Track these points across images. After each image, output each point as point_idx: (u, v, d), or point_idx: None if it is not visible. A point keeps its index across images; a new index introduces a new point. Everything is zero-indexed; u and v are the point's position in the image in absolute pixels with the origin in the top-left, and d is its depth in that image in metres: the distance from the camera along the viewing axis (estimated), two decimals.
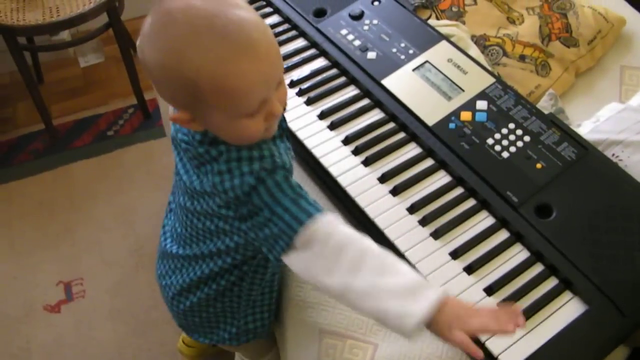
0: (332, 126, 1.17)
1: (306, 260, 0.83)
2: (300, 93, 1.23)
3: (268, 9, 1.40)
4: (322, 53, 1.30)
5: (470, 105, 1.14)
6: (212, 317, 1.12)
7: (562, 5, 1.47)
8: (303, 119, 1.20)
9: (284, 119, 0.96)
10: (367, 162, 1.11)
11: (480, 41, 1.42)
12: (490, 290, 0.95)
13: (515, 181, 1.04)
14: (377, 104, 1.20)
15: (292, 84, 1.25)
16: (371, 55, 1.24)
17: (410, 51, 1.23)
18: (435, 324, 0.76)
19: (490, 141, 1.09)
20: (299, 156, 1.17)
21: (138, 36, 0.93)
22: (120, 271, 1.86)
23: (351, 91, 1.23)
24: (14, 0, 1.93)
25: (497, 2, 1.50)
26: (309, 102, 1.22)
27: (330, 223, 0.83)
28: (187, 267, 1.04)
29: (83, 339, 1.73)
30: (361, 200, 1.07)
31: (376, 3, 1.32)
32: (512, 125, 1.10)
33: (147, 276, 1.82)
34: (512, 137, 1.09)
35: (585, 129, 1.21)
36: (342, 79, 1.25)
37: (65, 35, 2.45)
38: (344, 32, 1.28)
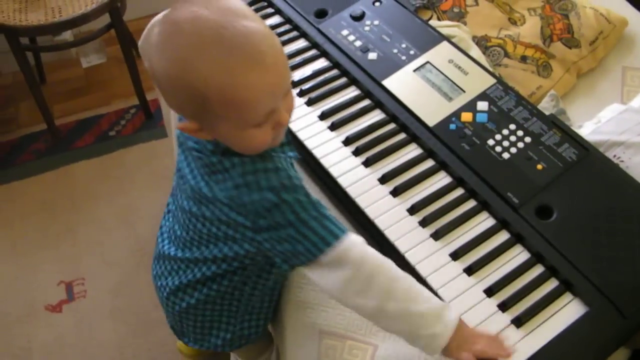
0: (333, 127, 1.17)
1: (337, 281, 0.85)
2: (301, 94, 1.23)
3: (269, 10, 1.40)
4: (323, 54, 1.30)
5: (471, 106, 1.13)
6: (207, 322, 1.11)
7: (563, 6, 1.47)
8: (304, 120, 1.20)
9: None
10: (367, 163, 1.11)
11: (481, 42, 1.42)
12: (490, 292, 0.95)
13: (515, 182, 1.03)
14: (377, 104, 1.20)
15: (293, 85, 1.24)
16: (372, 56, 1.24)
17: (411, 52, 1.23)
18: (449, 342, 0.83)
19: (490, 142, 1.08)
20: (299, 156, 1.17)
21: (140, 37, 0.94)
22: (121, 271, 1.87)
23: (352, 92, 1.23)
24: (16, 0, 1.94)
25: (499, 2, 1.49)
26: (309, 103, 1.22)
27: (359, 245, 0.85)
28: (185, 270, 1.04)
29: (84, 339, 1.73)
30: (361, 201, 1.07)
31: (377, 4, 1.32)
32: (512, 126, 1.10)
33: (148, 276, 1.80)
34: (512, 138, 1.08)
35: (587, 130, 1.20)
36: (343, 80, 1.25)
37: (67, 35, 2.46)
38: (345, 32, 1.28)
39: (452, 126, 1.11)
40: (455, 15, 1.47)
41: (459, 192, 1.06)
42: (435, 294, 0.94)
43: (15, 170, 2.15)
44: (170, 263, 1.07)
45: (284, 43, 1.32)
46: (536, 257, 0.98)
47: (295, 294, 1.09)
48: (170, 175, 1.05)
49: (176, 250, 1.04)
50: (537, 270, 0.97)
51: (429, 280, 0.96)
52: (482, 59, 1.34)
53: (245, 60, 0.76)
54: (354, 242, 0.85)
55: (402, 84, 1.19)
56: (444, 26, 1.38)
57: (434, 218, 1.03)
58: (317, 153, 1.14)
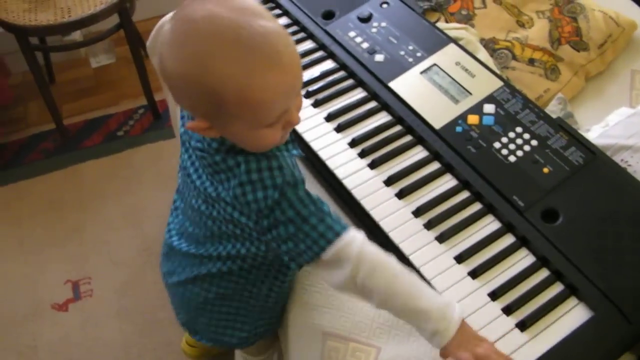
0: (339, 128, 1.17)
1: (340, 279, 0.85)
2: (307, 95, 1.23)
3: (277, 11, 1.40)
4: (330, 55, 1.30)
5: (477, 109, 1.13)
6: (223, 319, 1.11)
7: (572, 9, 1.46)
8: (310, 121, 1.20)
9: None
10: (373, 165, 1.11)
11: (489, 44, 1.41)
12: (494, 295, 0.94)
13: (521, 185, 1.03)
14: (384, 106, 1.19)
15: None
16: (379, 57, 1.23)
17: (418, 54, 1.22)
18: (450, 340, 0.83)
19: (497, 145, 1.08)
20: (305, 157, 1.17)
21: (148, 37, 0.94)
22: (128, 271, 1.87)
23: (358, 94, 1.23)
24: (26, 0, 1.95)
25: (507, 5, 1.49)
26: (316, 105, 1.22)
27: (358, 242, 0.85)
28: (199, 265, 1.04)
29: (89, 338, 1.74)
30: (366, 203, 1.06)
31: (385, 6, 1.32)
32: (519, 129, 1.09)
33: (155, 276, 1.82)
34: (519, 141, 1.08)
35: (594, 134, 1.20)
36: (350, 82, 1.25)
37: (77, 35, 2.47)
38: (352, 34, 1.28)
39: (459, 129, 1.11)
40: (463, 18, 1.46)
41: (464, 194, 1.06)
42: None
43: (24, 169, 2.16)
44: (184, 258, 1.06)
45: None
46: (541, 261, 0.98)
47: (300, 295, 1.09)
48: (177, 175, 1.05)
49: (189, 246, 1.04)
50: (542, 274, 0.97)
51: (433, 282, 0.96)
52: (490, 62, 1.33)
53: (263, 61, 0.76)
54: (352, 238, 0.84)
55: (409, 86, 1.19)
56: (451, 28, 1.37)
57: (439, 221, 1.03)
58: (323, 155, 1.14)
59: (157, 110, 2.29)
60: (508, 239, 1.01)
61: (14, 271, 1.89)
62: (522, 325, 0.91)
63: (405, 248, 1.00)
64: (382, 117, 1.18)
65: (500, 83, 1.16)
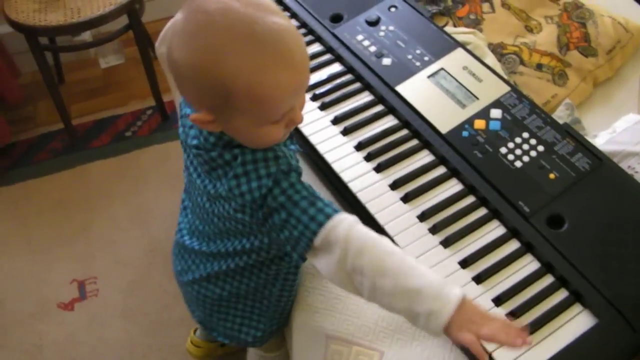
0: (346, 132, 1.17)
1: (332, 263, 0.82)
2: (314, 98, 1.24)
3: (285, 14, 1.40)
4: (338, 58, 1.30)
5: (484, 114, 1.13)
6: (238, 317, 1.12)
7: (581, 15, 1.46)
8: (316, 124, 1.20)
9: None
10: (379, 169, 1.11)
11: (497, 49, 1.41)
12: (498, 301, 0.94)
13: (527, 191, 1.03)
14: (390, 110, 1.19)
15: (307, 89, 1.25)
16: (386, 61, 1.24)
17: (426, 58, 1.22)
18: (449, 322, 0.76)
19: (503, 150, 1.08)
20: (310, 160, 1.18)
21: (157, 38, 0.94)
22: (134, 271, 1.88)
23: (365, 97, 1.23)
24: (36, 1, 1.96)
25: (516, 10, 1.49)
26: (323, 107, 1.22)
27: (346, 222, 0.82)
28: (212, 262, 1.04)
29: (95, 338, 1.74)
30: (372, 207, 1.06)
31: (393, 9, 1.32)
32: (526, 135, 1.09)
33: (160, 277, 1.84)
34: (525, 147, 1.08)
35: (602, 140, 1.19)
36: (357, 85, 1.25)
37: (86, 36, 2.48)
38: (359, 37, 1.28)
39: (465, 133, 1.11)
40: (471, 22, 1.46)
41: (470, 199, 1.06)
42: None
43: (32, 169, 2.18)
44: (197, 256, 1.07)
45: None
46: (546, 267, 0.97)
47: (303, 298, 1.09)
48: (183, 176, 1.06)
49: (200, 244, 1.04)
50: (547, 280, 0.96)
51: None
52: (497, 67, 1.33)
53: (276, 58, 0.76)
54: (341, 219, 0.82)
55: (416, 90, 1.19)
56: (459, 33, 1.37)
57: (444, 225, 1.03)
58: (329, 157, 1.14)
59: (165, 111, 2.30)
60: (513, 245, 1.00)
61: (20, 270, 1.90)
62: None
63: (410, 252, 1.00)
64: (389, 121, 1.18)
65: (507, 88, 1.16)
